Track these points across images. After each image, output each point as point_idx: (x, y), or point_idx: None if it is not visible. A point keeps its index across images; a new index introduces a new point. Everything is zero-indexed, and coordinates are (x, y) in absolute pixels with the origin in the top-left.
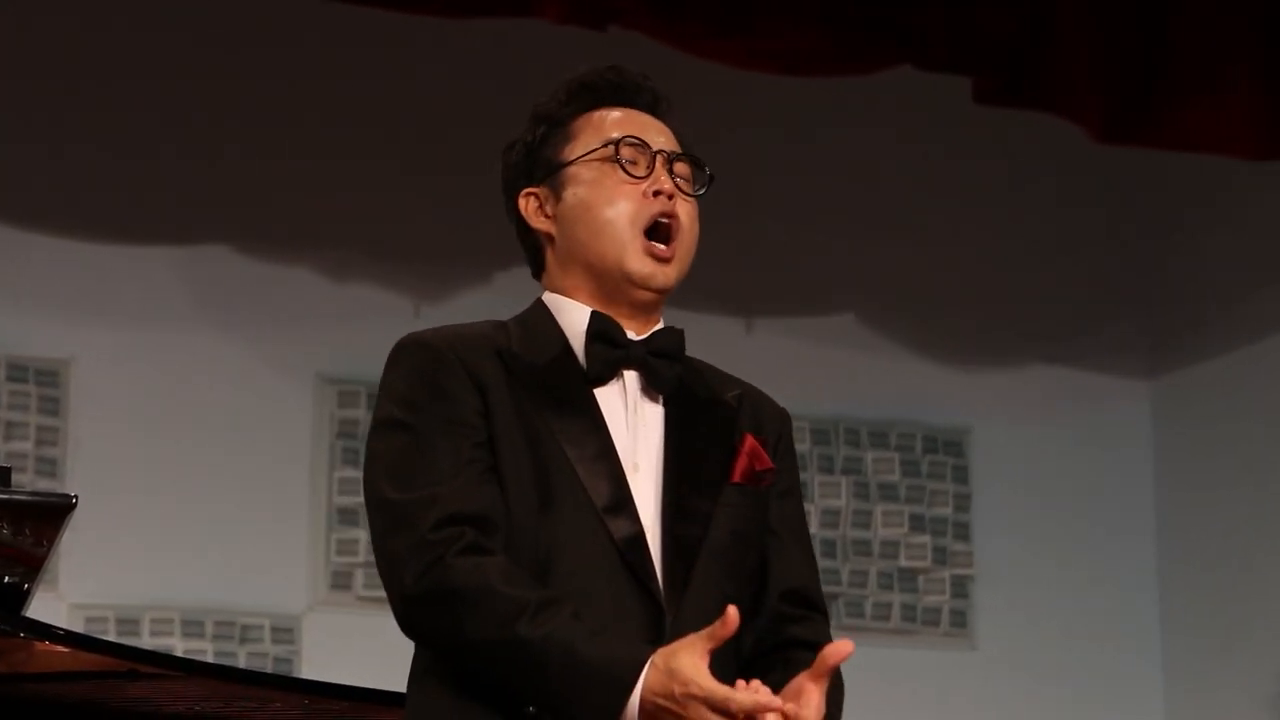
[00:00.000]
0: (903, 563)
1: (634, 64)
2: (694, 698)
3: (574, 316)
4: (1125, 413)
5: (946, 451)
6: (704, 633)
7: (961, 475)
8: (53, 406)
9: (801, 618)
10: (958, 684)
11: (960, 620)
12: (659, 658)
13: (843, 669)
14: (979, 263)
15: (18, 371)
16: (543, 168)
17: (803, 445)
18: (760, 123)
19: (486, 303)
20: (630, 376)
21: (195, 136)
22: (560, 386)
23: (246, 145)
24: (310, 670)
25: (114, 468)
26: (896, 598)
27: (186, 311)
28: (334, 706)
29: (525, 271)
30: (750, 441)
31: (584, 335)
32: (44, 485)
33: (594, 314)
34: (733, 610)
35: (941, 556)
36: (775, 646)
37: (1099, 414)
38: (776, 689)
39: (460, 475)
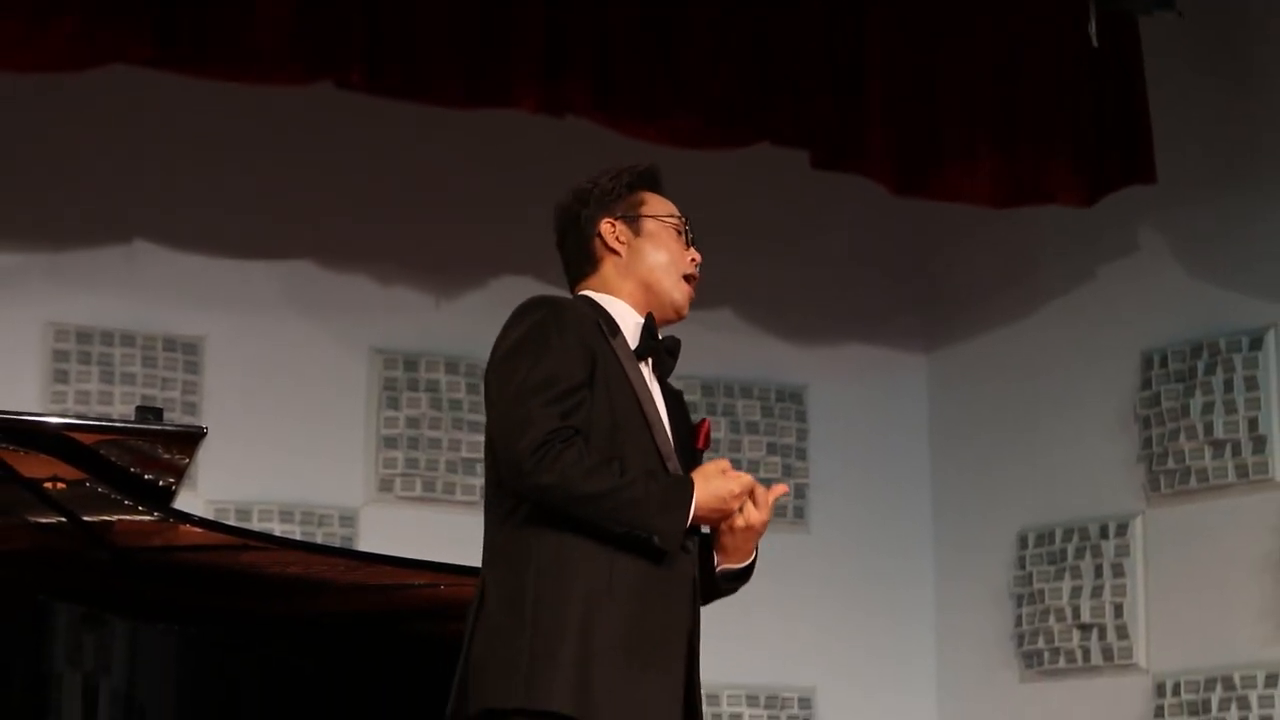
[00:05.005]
0: (761, 475)
1: (582, 140)
2: (722, 476)
3: (619, 310)
4: (909, 376)
5: (791, 401)
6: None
7: (802, 416)
8: (193, 367)
9: None
10: (798, 557)
11: (800, 513)
12: (697, 475)
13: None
14: (815, 274)
15: (170, 344)
16: (623, 209)
17: (696, 396)
18: (669, 183)
19: (484, 302)
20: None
21: (293, 185)
22: (628, 356)
23: (322, 192)
24: (365, 545)
25: (234, 409)
26: None
27: (283, 304)
28: (381, 569)
29: (511, 280)
30: (706, 424)
31: (632, 325)
32: (186, 420)
33: (649, 315)
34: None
35: (788, 470)
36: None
37: (892, 377)
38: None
39: (566, 398)
